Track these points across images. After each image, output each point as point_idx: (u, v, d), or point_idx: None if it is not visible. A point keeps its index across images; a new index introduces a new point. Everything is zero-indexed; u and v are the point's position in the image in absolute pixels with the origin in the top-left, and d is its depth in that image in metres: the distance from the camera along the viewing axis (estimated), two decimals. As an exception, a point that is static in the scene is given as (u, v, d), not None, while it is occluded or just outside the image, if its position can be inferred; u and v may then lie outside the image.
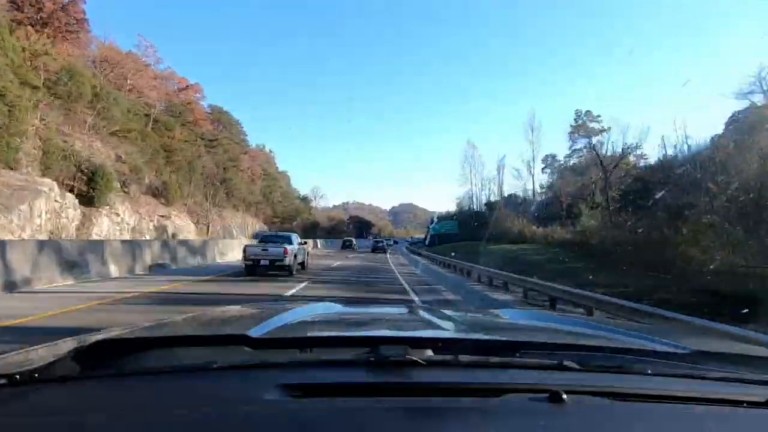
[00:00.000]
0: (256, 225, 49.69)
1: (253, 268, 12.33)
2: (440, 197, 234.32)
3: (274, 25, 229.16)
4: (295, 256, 13.11)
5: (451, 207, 69.77)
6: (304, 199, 77.25)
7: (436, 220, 61.08)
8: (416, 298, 9.80)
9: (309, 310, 1.40)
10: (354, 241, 48.73)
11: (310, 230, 67.60)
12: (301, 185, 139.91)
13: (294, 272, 12.89)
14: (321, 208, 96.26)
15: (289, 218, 61.28)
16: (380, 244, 41.25)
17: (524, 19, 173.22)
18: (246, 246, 13.34)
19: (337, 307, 1.55)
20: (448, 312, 1.51)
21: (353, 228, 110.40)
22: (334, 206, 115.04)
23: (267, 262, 12.29)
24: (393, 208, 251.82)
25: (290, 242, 13.33)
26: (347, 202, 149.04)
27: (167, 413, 0.63)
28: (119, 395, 0.70)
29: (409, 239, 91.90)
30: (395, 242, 75.95)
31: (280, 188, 63.21)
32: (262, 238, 14.17)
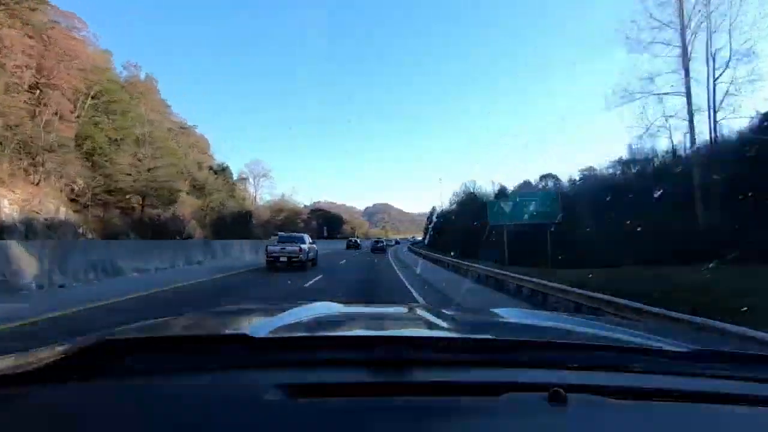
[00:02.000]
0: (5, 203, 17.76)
1: (273, 264, 14.69)
2: (418, 198, 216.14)
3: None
4: (308, 254, 15.20)
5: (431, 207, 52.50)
6: (223, 172, 45.53)
7: (435, 219, 44.17)
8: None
9: (309, 310, 1.37)
10: (359, 240, 50.87)
11: (231, 227, 36.75)
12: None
13: (306, 268, 14.92)
14: (265, 202, 63.18)
15: (157, 196, 29.19)
16: (380, 245, 38.34)
17: None
18: (268, 245, 15.57)
19: (338, 307, 1.53)
20: (447, 311, 1.47)
21: (317, 226, 77.76)
22: (305, 206, 79.98)
23: (285, 259, 14.60)
24: (367, 208, 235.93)
25: (303, 242, 15.39)
26: (318, 202, 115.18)
27: (167, 413, 0.63)
28: (119, 395, 0.70)
29: (411, 239, 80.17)
30: (397, 242, 68.95)
31: (149, 140, 30.26)
32: (281, 239, 15.99)
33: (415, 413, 0.63)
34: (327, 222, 78.70)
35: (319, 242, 23.40)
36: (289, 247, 14.78)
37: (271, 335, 0.89)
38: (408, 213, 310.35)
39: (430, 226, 47.66)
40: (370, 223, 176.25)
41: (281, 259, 14.56)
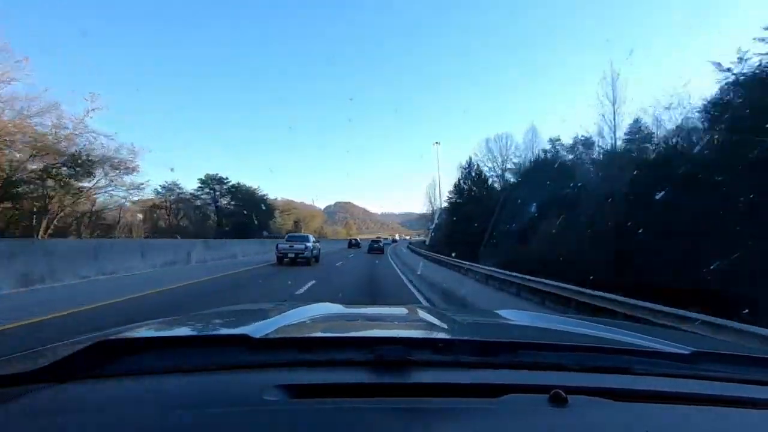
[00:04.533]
0: None
1: (281, 260, 17.07)
2: (382, 199, 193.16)
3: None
4: (312, 251, 17.73)
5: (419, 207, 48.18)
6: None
7: (437, 221, 37.22)
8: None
9: (309, 311, 1.37)
10: (359, 240, 50.60)
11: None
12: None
13: (311, 263, 17.41)
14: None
15: None
16: (377, 245, 34.77)
17: None
18: (278, 244, 17.75)
19: (338, 308, 1.53)
20: (448, 313, 1.49)
21: (232, 221, 44.69)
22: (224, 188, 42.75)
23: (293, 255, 17.08)
24: (328, 207, 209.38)
25: (308, 241, 17.94)
26: (275, 199, 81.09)
27: (167, 413, 0.63)
28: (119, 395, 0.70)
29: (408, 239, 74.49)
30: (394, 241, 69.08)
31: None
32: (289, 238, 18.48)
33: (415, 414, 0.63)
34: (245, 207, 44.71)
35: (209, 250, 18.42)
36: (297, 245, 17.17)
37: (271, 335, 0.89)
38: (372, 213, 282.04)
39: (431, 227, 42.17)
40: (330, 221, 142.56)
41: (289, 255, 16.98)
